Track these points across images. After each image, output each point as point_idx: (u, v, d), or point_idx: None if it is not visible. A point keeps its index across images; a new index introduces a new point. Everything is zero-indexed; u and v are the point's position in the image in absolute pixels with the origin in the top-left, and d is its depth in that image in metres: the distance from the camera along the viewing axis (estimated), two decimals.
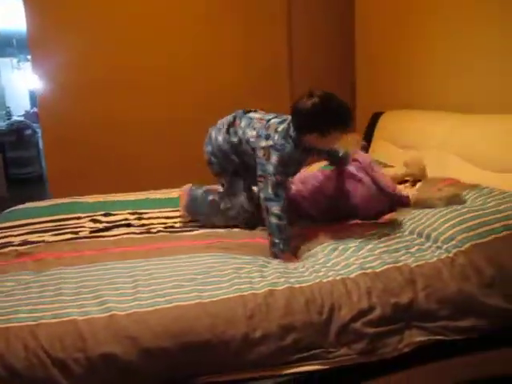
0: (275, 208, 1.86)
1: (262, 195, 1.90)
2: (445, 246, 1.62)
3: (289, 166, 1.93)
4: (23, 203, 2.66)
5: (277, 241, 1.84)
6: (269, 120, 2.00)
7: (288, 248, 1.85)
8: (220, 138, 2.13)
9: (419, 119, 2.75)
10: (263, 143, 1.91)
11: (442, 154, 2.43)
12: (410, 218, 1.88)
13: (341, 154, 2.21)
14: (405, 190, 2.29)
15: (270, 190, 1.87)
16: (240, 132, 2.06)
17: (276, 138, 1.89)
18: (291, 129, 1.89)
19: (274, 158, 1.87)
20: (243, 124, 2.06)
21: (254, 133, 1.99)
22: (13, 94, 7.53)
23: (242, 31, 3.77)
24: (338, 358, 1.36)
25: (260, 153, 1.92)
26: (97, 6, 3.51)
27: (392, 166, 2.59)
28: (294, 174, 2.14)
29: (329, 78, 3.40)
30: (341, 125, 1.82)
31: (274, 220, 1.85)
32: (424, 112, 2.77)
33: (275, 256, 1.82)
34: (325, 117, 1.79)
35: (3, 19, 6.38)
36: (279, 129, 1.92)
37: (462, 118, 2.40)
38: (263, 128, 1.96)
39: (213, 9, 3.70)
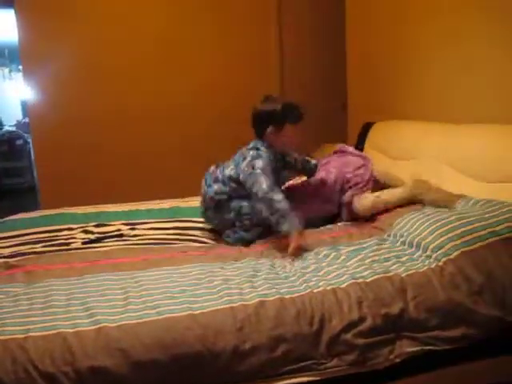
0: (276, 196, 1.91)
1: (259, 195, 1.93)
2: (434, 255, 1.63)
3: (272, 169, 2.03)
4: (15, 214, 2.64)
5: (287, 225, 1.87)
6: (235, 158, 2.16)
7: (300, 226, 1.90)
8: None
9: (411, 130, 2.76)
10: (243, 164, 2.04)
11: (434, 165, 2.44)
12: (399, 228, 1.89)
13: (311, 165, 2.39)
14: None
15: (264, 186, 1.93)
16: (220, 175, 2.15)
17: (251, 153, 2.07)
18: (258, 142, 2.12)
19: (258, 163, 2.00)
20: (219, 170, 2.19)
21: (232, 166, 2.12)
22: (4, 103, 7.49)
23: (231, 31, 3.79)
24: (329, 369, 1.36)
25: (244, 170, 2.02)
26: (87, 17, 3.53)
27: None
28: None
29: (320, 78, 3.41)
30: (291, 115, 2.08)
31: (278, 205, 1.89)
32: (416, 122, 2.79)
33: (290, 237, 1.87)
34: (276, 111, 2.07)
35: None
36: (249, 147, 2.12)
37: (454, 129, 2.41)
38: (236, 157, 2.14)
39: (202, 10, 3.73)
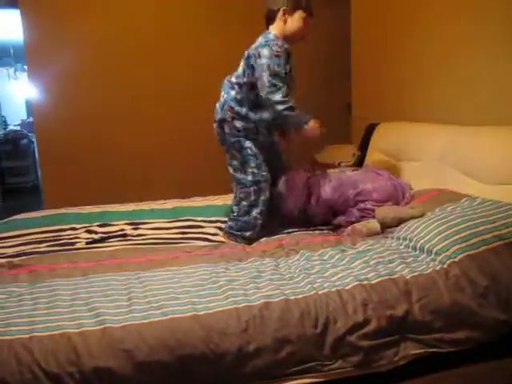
0: (277, 96, 1.94)
1: (263, 96, 2.00)
2: (439, 258, 1.63)
3: (280, 62, 2.01)
4: (18, 213, 2.65)
5: (296, 120, 1.96)
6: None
7: (307, 117, 1.97)
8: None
9: (415, 131, 2.76)
10: (252, 51, 2.09)
11: (439, 167, 2.44)
12: (404, 230, 1.89)
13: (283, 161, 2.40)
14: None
15: (266, 83, 1.96)
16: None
17: (260, 40, 2.11)
18: (268, 35, 2.11)
19: (264, 52, 2.02)
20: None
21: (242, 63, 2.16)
22: (9, 103, 7.52)
23: (235, 30, 3.78)
24: (334, 370, 1.36)
25: (252, 59, 2.06)
26: (93, 16, 3.54)
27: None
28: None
29: (323, 79, 3.40)
30: (306, 4, 2.11)
31: (280, 107, 1.96)
32: (420, 124, 2.78)
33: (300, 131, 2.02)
34: None
35: (0, 29, 6.39)
36: (259, 43, 2.10)
37: (459, 131, 2.41)
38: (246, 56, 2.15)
39: (207, 7, 3.72)
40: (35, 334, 1.27)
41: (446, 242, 1.65)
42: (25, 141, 6.33)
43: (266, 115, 2.12)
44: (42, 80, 3.54)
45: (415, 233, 1.80)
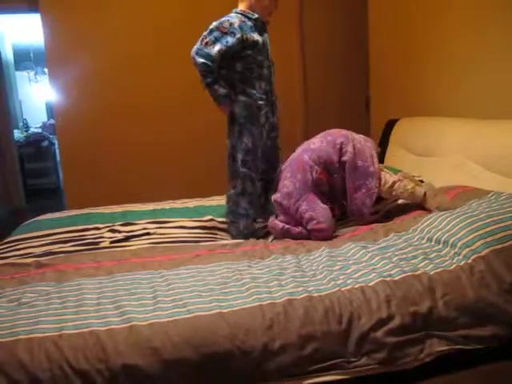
0: (200, 60, 2.11)
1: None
2: (463, 252, 1.61)
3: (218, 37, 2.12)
4: (41, 214, 2.70)
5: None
6: None
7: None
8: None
9: (435, 126, 2.73)
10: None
11: (460, 161, 2.41)
12: (426, 224, 1.87)
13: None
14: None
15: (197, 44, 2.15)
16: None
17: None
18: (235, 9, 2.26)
19: (214, 24, 2.18)
20: None
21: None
22: (30, 106, 7.65)
23: None
24: (359, 367, 1.35)
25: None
26: (112, 20, 3.58)
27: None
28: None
29: (342, 76, 3.39)
30: None
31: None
32: (440, 119, 2.75)
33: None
34: None
35: (21, 33, 6.51)
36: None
37: (479, 125, 2.38)
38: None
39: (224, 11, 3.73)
40: (64, 331, 1.30)
41: (471, 235, 1.63)
42: (46, 143, 6.43)
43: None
44: (62, 83, 3.60)
45: (439, 226, 1.78)
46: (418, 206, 2.22)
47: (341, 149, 2.14)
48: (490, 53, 2.45)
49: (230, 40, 2.11)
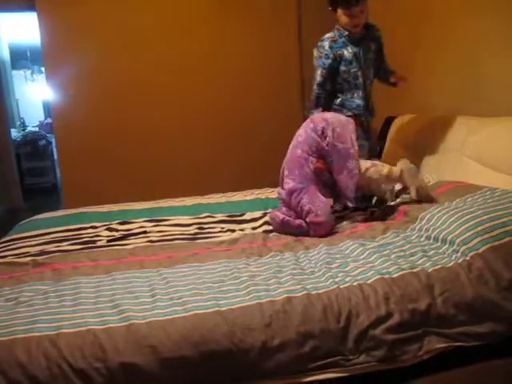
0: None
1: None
2: (461, 249, 1.61)
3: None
4: (38, 213, 2.69)
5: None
6: None
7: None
8: None
9: (433, 123, 2.73)
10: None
11: (458, 158, 2.41)
12: (425, 222, 1.87)
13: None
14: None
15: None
16: None
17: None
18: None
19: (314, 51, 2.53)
20: None
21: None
22: (27, 105, 7.63)
23: (252, 31, 3.79)
24: (358, 365, 1.35)
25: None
26: (109, 18, 3.57)
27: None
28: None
29: None
30: (341, 1, 2.38)
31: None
32: (438, 116, 2.75)
33: None
34: None
35: (17, 32, 6.49)
36: None
37: (478, 122, 2.38)
38: None
39: (222, 9, 3.73)
40: (62, 330, 1.29)
41: (468, 233, 1.63)
42: (43, 142, 6.41)
43: None
44: (59, 81, 3.59)
45: (437, 224, 1.78)
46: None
47: (322, 133, 2.14)
48: (484, 51, 2.45)
49: (326, 61, 2.46)
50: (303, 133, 2.19)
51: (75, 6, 3.51)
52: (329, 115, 2.23)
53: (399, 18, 3.25)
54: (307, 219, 2.06)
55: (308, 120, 2.26)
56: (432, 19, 2.89)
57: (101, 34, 3.56)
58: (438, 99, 2.91)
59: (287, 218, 2.11)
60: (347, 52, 2.47)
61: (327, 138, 2.12)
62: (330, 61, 2.45)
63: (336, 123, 2.16)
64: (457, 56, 2.69)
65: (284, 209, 2.17)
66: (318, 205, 2.07)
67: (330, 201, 2.18)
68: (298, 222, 2.09)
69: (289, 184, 2.13)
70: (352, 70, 2.48)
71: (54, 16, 3.49)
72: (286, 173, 2.17)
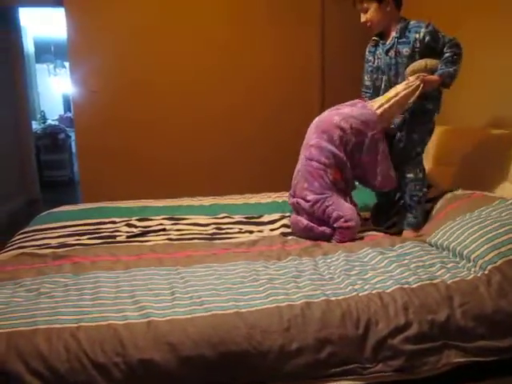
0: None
1: None
2: (479, 263, 1.60)
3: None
4: (55, 206, 2.72)
5: None
6: None
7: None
8: None
9: (448, 134, 2.70)
10: None
11: (471, 169, 2.40)
12: (439, 237, 1.87)
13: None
14: None
15: None
16: None
17: None
18: None
19: None
20: None
21: None
22: (47, 98, 7.72)
23: (275, 32, 3.79)
24: (374, 374, 1.35)
25: None
26: (134, 16, 3.59)
27: None
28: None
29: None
30: None
31: None
32: (451, 127, 2.73)
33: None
34: None
35: (42, 27, 6.58)
36: None
37: (491, 133, 2.37)
38: None
39: (245, 10, 3.74)
40: (83, 324, 1.31)
41: (485, 246, 1.63)
42: (62, 135, 6.47)
43: None
44: (82, 77, 3.62)
45: (451, 239, 1.78)
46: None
47: (341, 141, 2.10)
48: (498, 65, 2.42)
49: (365, 66, 2.40)
50: (317, 144, 2.13)
51: (102, 2, 3.55)
52: (337, 117, 2.14)
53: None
54: (336, 224, 2.06)
55: (316, 125, 2.20)
56: (462, 28, 2.86)
57: (125, 32, 3.58)
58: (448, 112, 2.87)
59: (311, 224, 2.11)
60: (368, 55, 2.36)
61: (351, 143, 2.10)
62: (366, 66, 2.39)
63: (350, 120, 2.10)
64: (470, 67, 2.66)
65: (305, 215, 2.16)
66: (347, 211, 2.07)
67: (356, 207, 2.19)
68: (322, 228, 2.10)
69: (309, 196, 2.11)
70: (374, 72, 2.33)
71: (80, 11, 3.52)
72: (304, 185, 2.14)
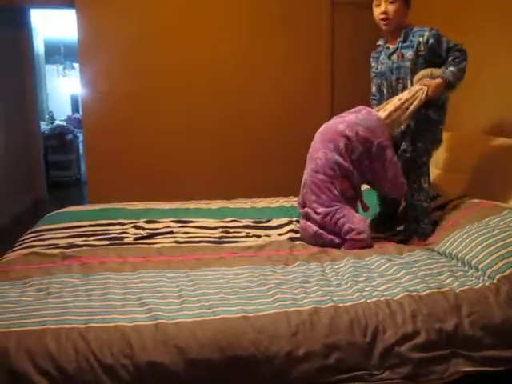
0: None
1: None
2: (488, 272, 1.61)
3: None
4: (62, 206, 2.72)
5: None
6: None
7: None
8: None
9: (459, 141, 2.69)
10: None
11: (481, 177, 2.39)
12: (447, 246, 1.86)
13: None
14: None
15: None
16: None
17: None
18: None
19: None
20: None
21: None
22: (56, 99, 7.76)
23: (286, 37, 3.80)
24: (381, 381, 1.35)
25: None
26: (146, 17, 3.61)
27: None
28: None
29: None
30: None
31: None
32: (456, 133, 2.72)
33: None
34: None
35: (52, 28, 6.63)
36: None
37: (493, 141, 2.37)
38: None
39: (255, 20, 3.75)
40: (91, 324, 1.32)
41: (493, 256, 1.63)
42: (70, 136, 6.49)
43: None
44: (92, 78, 3.64)
45: (460, 248, 1.78)
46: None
47: (346, 150, 2.09)
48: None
49: (370, 72, 2.40)
50: (322, 156, 2.12)
51: (113, 4, 3.57)
52: (342, 125, 2.12)
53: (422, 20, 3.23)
54: (348, 237, 2.05)
55: (322, 135, 2.18)
56: (466, 35, 2.86)
57: (135, 34, 3.60)
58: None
59: (320, 231, 2.10)
60: (372, 62, 2.35)
61: (356, 152, 2.09)
62: (371, 71, 2.38)
63: (355, 128, 2.08)
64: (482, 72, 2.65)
65: (316, 224, 2.16)
66: (358, 223, 2.06)
67: (367, 219, 2.19)
68: (331, 236, 2.10)
69: (319, 209, 2.10)
70: (380, 78, 2.29)
71: (92, 13, 3.55)
72: (312, 197, 2.13)
